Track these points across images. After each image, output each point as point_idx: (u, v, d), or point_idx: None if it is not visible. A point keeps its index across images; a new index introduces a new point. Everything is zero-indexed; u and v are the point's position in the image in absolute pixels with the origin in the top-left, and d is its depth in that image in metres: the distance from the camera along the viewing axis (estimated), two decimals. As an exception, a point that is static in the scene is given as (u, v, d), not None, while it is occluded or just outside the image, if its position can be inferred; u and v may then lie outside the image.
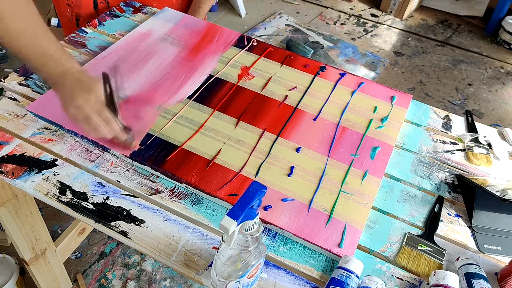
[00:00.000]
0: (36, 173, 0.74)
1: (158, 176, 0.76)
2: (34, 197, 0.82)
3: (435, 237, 0.72)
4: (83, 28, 1.05)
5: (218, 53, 0.99)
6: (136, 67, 0.93)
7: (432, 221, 0.74)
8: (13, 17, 0.65)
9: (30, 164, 0.76)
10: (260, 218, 0.55)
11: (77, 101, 0.67)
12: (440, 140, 0.89)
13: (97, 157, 0.78)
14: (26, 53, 0.67)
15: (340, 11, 2.98)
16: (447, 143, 0.89)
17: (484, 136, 0.89)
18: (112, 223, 0.69)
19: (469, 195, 0.78)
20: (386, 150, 0.82)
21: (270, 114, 0.87)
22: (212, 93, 0.90)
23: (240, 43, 1.03)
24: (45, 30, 0.69)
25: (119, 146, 0.76)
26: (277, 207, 0.71)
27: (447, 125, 0.93)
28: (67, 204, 0.71)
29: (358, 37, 2.73)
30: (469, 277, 0.63)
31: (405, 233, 0.72)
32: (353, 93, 0.93)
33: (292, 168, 0.77)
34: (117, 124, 0.72)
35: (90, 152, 0.78)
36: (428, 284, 0.65)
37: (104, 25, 1.06)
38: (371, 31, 2.80)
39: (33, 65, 0.69)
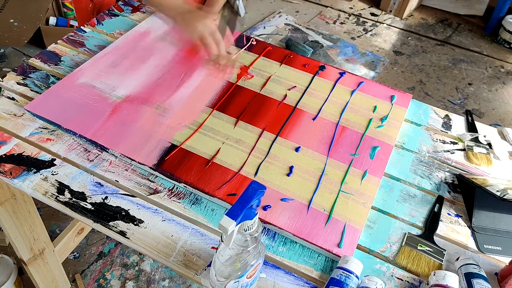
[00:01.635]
0: (34, 172, 0.74)
1: (157, 176, 0.76)
2: (33, 197, 0.82)
3: (435, 237, 0.72)
4: (82, 27, 1.04)
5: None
6: (135, 66, 0.92)
7: (432, 221, 0.74)
8: None
9: (28, 164, 0.75)
10: (259, 218, 0.55)
11: (202, 19, 0.87)
12: (440, 140, 0.89)
13: (96, 157, 0.77)
14: None
15: (339, 10, 2.98)
16: (447, 143, 0.89)
17: (484, 136, 0.89)
18: (111, 223, 0.69)
19: (469, 195, 0.78)
20: (385, 150, 0.82)
21: (269, 113, 0.86)
22: (211, 93, 0.89)
23: (239, 42, 1.03)
24: None
25: (223, 68, 0.92)
26: (276, 207, 0.71)
27: (447, 125, 0.93)
28: (65, 204, 0.71)
29: (358, 36, 2.73)
30: (469, 277, 0.63)
31: (405, 233, 0.72)
32: (352, 92, 0.93)
33: (291, 168, 0.77)
34: (223, 46, 0.89)
35: (89, 151, 0.78)
36: (428, 284, 0.65)
37: (102, 24, 1.06)
38: (370, 30, 2.80)
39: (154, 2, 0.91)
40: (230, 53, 0.92)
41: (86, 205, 0.71)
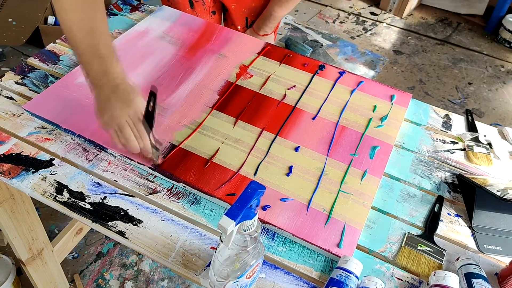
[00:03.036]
0: (33, 172, 0.74)
1: (155, 176, 0.76)
2: (31, 197, 0.82)
3: (435, 237, 0.71)
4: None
5: (216, 52, 0.99)
6: (134, 65, 0.92)
7: (432, 221, 0.73)
8: (75, 8, 0.67)
9: (26, 164, 0.75)
10: (258, 218, 0.54)
11: (114, 110, 0.67)
12: (440, 140, 0.89)
13: (94, 157, 0.77)
14: (76, 45, 0.68)
15: (339, 10, 2.97)
16: (447, 143, 0.88)
17: (484, 135, 0.89)
18: (110, 223, 0.68)
19: (469, 194, 0.78)
20: (385, 150, 0.82)
21: (269, 113, 0.86)
22: (210, 92, 0.89)
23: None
24: (103, 32, 0.69)
25: (142, 158, 0.74)
26: (275, 207, 0.71)
27: (447, 124, 0.93)
28: (64, 204, 0.70)
29: (358, 36, 2.73)
30: (469, 277, 0.63)
31: (405, 233, 0.71)
32: (352, 92, 0.93)
33: (290, 168, 0.76)
34: (149, 139, 0.71)
35: (87, 151, 0.78)
36: (427, 284, 0.65)
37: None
38: (370, 30, 2.79)
39: (81, 59, 0.69)
40: (158, 143, 0.75)
41: (84, 205, 0.70)
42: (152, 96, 0.69)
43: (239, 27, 1.19)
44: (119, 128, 0.68)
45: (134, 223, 0.69)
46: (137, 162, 0.75)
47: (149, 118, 0.70)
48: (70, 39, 0.69)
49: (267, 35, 1.15)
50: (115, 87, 0.68)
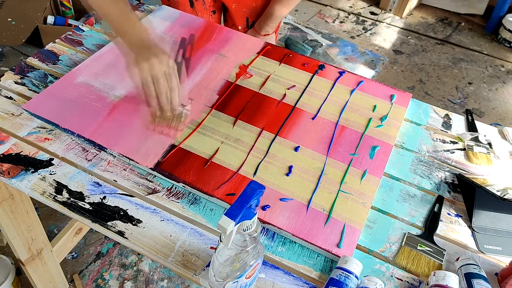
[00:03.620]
0: (32, 172, 0.74)
1: (155, 176, 0.75)
2: (30, 197, 0.82)
3: (434, 237, 0.71)
4: (80, 26, 1.04)
5: (216, 51, 0.98)
6: (133, 65, 0.92)
7: (432, 221, 0.73)
8: None
9: (26, 164, 0.75)
10: (258, 218, 0.54)
11: (152, 58, 0.68)
12: (440, 139, 0.89)
13: (94, 156, 0.77)
14: (108, 13, 0.73)
15: (339, 9, 2.97)
16: (447, 142, 0.88)
17: (484, 135, 0.89)
18: (109, 223, 0.68)
19: (469, 194, 0.78)
20: (385, 149, 0.82)
21: (269, 113, 0.86)
22: (210, 92, 0.89)
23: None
24: (124, 1, 0.75)
25: (167, 129, 0.74)
26: (275, 207, 0.70)
27: (447, 124, 0.92)
28: (63, 203, 0.70)
29: (357, 35, 2.72)
30: (469, 277, 0.63)
31: (405, 233, 0.71)
32: (352, 91, 0.93)
33: (290, 168, 0.76)
34: (178, 96, 0.71)
35: (87, 151, 0.78)
36: (427, 284, 0.64)
37: (100, 23, 1.05)
38: (370, 29, 2.79)
39: (113, 24, 0.74)
40: (184, 106, 0.74)
41: (84, 205, 0.70)
42: (182, 46, 0.69)
43: (239, 27, 1.18)
44: (155, 79, 0.68)
45: (133, 223, 0.69)
46: (161, 134, 0.76)
47: (178, 72, 0.71)
48: (98, 9, 0.74)
49: (268, 35, 1.15)
50: (150, 46, 0.71)
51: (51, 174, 0.74)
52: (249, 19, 1.16)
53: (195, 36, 0.70)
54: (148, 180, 0.75)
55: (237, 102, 0.87)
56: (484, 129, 0.93)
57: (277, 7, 1.09)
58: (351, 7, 3.01)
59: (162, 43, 0.72)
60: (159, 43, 0.72)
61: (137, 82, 0.70)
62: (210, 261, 0.62)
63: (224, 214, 0.48)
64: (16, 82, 0.89)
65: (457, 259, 0.67)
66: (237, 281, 0.56)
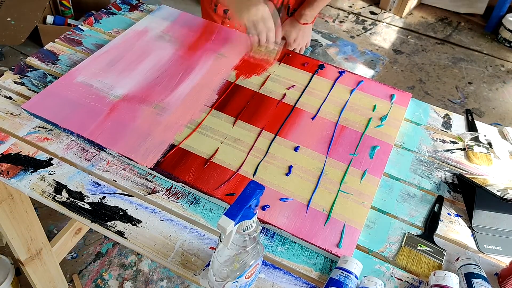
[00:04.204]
0: (32, 172, 0.74)
1: (154, 176, 0.75)
2: (30, 197, 0.82)
3: (434, 237, 0.71)
4: (79, 26, 1.04)
5: (216, 51, 0.98)
6: (133, 65, 0.92)
7: (432, 221, 0.73)
8: None
9: (25, 163, 0.75)
10: (258, 218, 0.54)
11: (251, 7, 0.87)
12: (440, 139, 0.89)
13: (93, 156, 0.77)
14: None
15: (339, 9, 2.97)
16: (447, 142, 0.88)
17: (484, 135, 0.89)
18: (109, 223, 0.68)
19: (469, 194, 0.78)
20: (385, 149, 0.81)
21: (268, 113, 0.86)
22: (209, 92, 0.89)
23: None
24: None
25: (263, 56, 0.95)
26: (275, 207, 0.70)
27: (447, 124, 0.92)
28: (63, 203, 0.70)
29: (357, 35, 2.72)
30: (469, 277, 0.63)
31: (405, 233, 0.71)
32: (352, 91, 0.92)
33: (290, 168, 0.76)
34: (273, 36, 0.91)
35: (86, 151, 0.78)
36: (427, 284, 0.64)
37: (100, 23, 1.05)
38: (370, 29, 2.79)
39: None
40: (278, 43, 0.94)
41: (83, 205, 0.70)
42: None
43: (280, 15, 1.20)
44: (263, 19, 0.88)
45: (133, 223, 0.69)
46: (259, 58, 0.95)
47: (275, 14, 0.91)
48: None
49: (307, 24, 1.15)
50: None
51: (50, 174, 0.74)
52: (290, 6, 1.17)
53: None
54: (147, 180, 0.75)
55: (236, 102, 0.87)
56: (484, 129, 0.93)
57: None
58: (350, 6, 3.01)
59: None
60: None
61: (249, 23, 0.89)
62: (209, 261, 0.62)
63: (224, 214, 0.48)
64: (15, 82, 0.89)
65: (457, 259, 0.67)
66: (236, 281, 0.56)
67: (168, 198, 0.73)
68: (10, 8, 2.09)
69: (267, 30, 0.89)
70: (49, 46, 0.98)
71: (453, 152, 0.86)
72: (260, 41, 0.91)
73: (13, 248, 1.05)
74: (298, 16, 1.14)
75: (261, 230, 0.70)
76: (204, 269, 0.64)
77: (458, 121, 0.93)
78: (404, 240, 0.70)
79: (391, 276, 0.66)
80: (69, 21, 2.21)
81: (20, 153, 0.76)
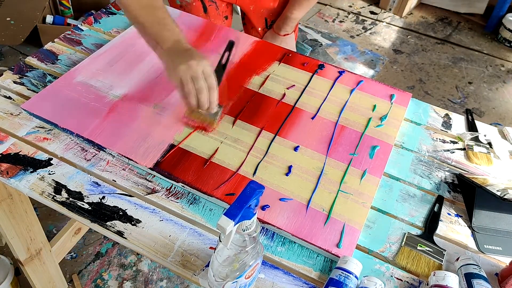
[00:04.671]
0: (31, 172, 0.73)
1: (154, 176, 0.75)
2: (29, 197, 0.81)
3: (434, 237, 0.71)
4: (79, 25, 1.04)
5: (215, 51, 0.98)
6: (132, 65, 0.92)
7: (432, 221, 0.73)
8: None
9: (25, 163, 0.75)
10: (257, 218, 0.54)
11: (190, 60, 0.71)
12: (440, 139, 0.88)
13: (93, 156, 0.77)
14: (142, 20, 0.77)
15: (338, 9, 2.97)
16: (447, 142, 0.88)
17: (485, 135, 0.89)
18: (108, 223, 0.68)
19: (469, 194, 0.77)
20: (385, 149, 0.81)
21: (268, 112, 0.86)
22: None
23: (238, 40, 1.02)
24: (161, 6, 0.78)
25: (200, 123, 0.79)
26: (275, 207, 0.70)
27: (447, 124, 0.92)
28: (62, 203, 0.70)
29: (357, 35, 2.72)
30: (469, 277, 0.63)
31: (405, 233, 0.71)
32: (352, 91, 0.92)
33: (290, 167, 0.76)
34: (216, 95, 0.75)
35: (86, 151, 0.77)
36: (427, 284, 0.64)
37: (99, 23, 1.05)
38: (370, 29, 2.79)
39: (148, 31, 0.77)
40: (220, 106, 0.79)
41: (83, 205, 0.70)
42: (228, 48, 0.75)
43: (259, 29, 1.18)
44: (194, 78, 0.71)
45: (132, 223, 0.69)
46: (194, 127, 0.80)
47: (218, 74, 0.74)
48: (133, 16, 0.78)
49: (288, 34, 1.14)
50: (188, 49, 0.74)
51: (50, 174, 0.74)
52: (268, 19, 1.16)
53: (234, 43, 0.79)
54: (147, 180, 0.75)
55: (236, 101, 0.87)
56: (484, 129, 0.93)
57: (293, 10, 1.09)
58: (350, 6, 3.01)
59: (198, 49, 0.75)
60: (200, 53, 0.74)
61: (177, 82, 0.72)
62: (209, 261, 0.61)
63: (224, 214, 0.48)
64: (15, 82, 0.88)
65: (457, 259, 0.66)
66: (236, 281, 0.56)
67: (168, 198, 0.72)
68: (9, 8, 2.09)
69: (208, 88, 0.73)
70: (48, 46, 0.98)
71: (453, 152, 0.86)
72: (199, 102, 0.73)
73: (12, 248, 1.05)
74: (277, 29, 1.13)
75: (261, 230, 0.70)
76: (203, 269, 0.64)
77: (458, 121, 0.93)
78: (404, 240, 0.70)
79: (391, 276, 0.66)
80: (69, 20, 2.21)
81: (19, 153, 0.76)
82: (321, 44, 2.58)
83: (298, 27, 1.20)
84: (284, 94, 0.90)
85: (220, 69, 0.75)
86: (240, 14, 1.19)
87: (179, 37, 0.76)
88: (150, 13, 0.77)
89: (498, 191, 0.72)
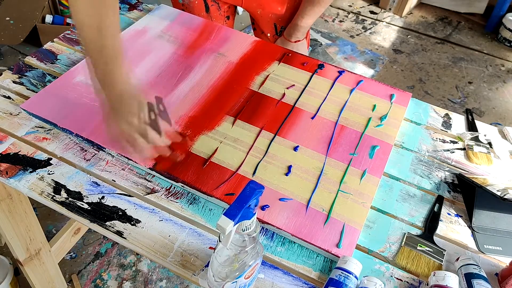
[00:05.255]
0: (31, 172, 0.73)
1: (154, 175, 0.75)
2: (29, 197, 0.81)
3: (434, 237, 0.71)
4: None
5: (215, 50, 0.98)
6: (132, 64, 0.91)
7: (432, 221, 0.73)
8: (85, 4, 0.64)
9: (24, 163, 0.74)
10: (257, 218, 0.54)
11: (121, 124, 0.67)
12: (440, 139, 0.88)
13: (92, 156, 0.77)
14: (85, 44, 0.66)
15: (338, 8, 2.97)
16: (447, 142, 0.88)
17: (485, 135, 0.89)
18: (108, 223, 0.68)
19: (469, 194, 0.77)
20: (385, 149, 0.81)
21: (268, 112, 0.86)
22: (209, 91, 0.88)
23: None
24: (111, 31, 0.66)
25: (165, 160, 0.74)
26: (274, 207, 0.70)
27: (447, 124, 0.92)
28: (61, 203, 0.70)
29: (357, 35, 2.72)
30: (469, 277, 0.62)
31: (404, 233, 0.71)
32: (351, 91, 0.92)
33: (289, 167, 0.76)
34: (163, 141, 0.72)
35: (85, 151, 0.77)
36: (427, 284, 0.64)
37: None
38: (370, 29, 2.79)
39: (88, 58, 0.67)
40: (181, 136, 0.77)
41: (82, 205, 0.70)
42: (153, 105, 0.70)
43: (269, 35, 1.16)
44: (131, 142, 0.69)
45: (132, 223, 0.68)
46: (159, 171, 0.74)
47: (155, 123, 0.71)
48: (80, 37, 0.67)
49: (299, 41, 1.12)
50: (119, 95, 0.67)
51: (49, 174, 0.73)
52: (277, 25, 1.14)
53: (160, 99, 0.73)
54: (146, 180, 0.75)
55: (236, 101, 0.87)
56: (484, 129, 0.92)
57: (302, 18, 1.07)
58: (350, 6, 3.01)
59: (136, 96, 0.69)
60: (132, 98, 0.69)
61: (115, 139, 0.70)
62: (209, 261, 0.61)
63: (223, 214, 0.48)
64: (14, 82, 0.88)
65: (457, 259, 0.66)
66: (236, 281, 0.56)
67: (167, 198, 0.72)
68: (9, 8, 2.09)
69: (151, 141, 0.70)
70: (48, 45, 0.98)
71: (453, 152, 0.86)
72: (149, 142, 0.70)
73: (12, 248, 1.05)
74: (288, 35, 1.11)
75: (261, 230, 0.70)
76: (203, 269, 0.64)
77: (458, 121, 0.93)
78: (404, 240, 0.70)
79: (391, 276, 0.66)
80: (68, 20, 2.20)
81: (18, 153, 0.76)
82: (321, 44, 2.58)
83: (309, 33, 1.18)
84: (284, 94, 0.90)
85: (154, 123, 0.71)
86: (240, 14, 1.18)
87: (114, 73, 0.67)
88: (94, 35, 0.65)
89: (498, 191, 0.72)
